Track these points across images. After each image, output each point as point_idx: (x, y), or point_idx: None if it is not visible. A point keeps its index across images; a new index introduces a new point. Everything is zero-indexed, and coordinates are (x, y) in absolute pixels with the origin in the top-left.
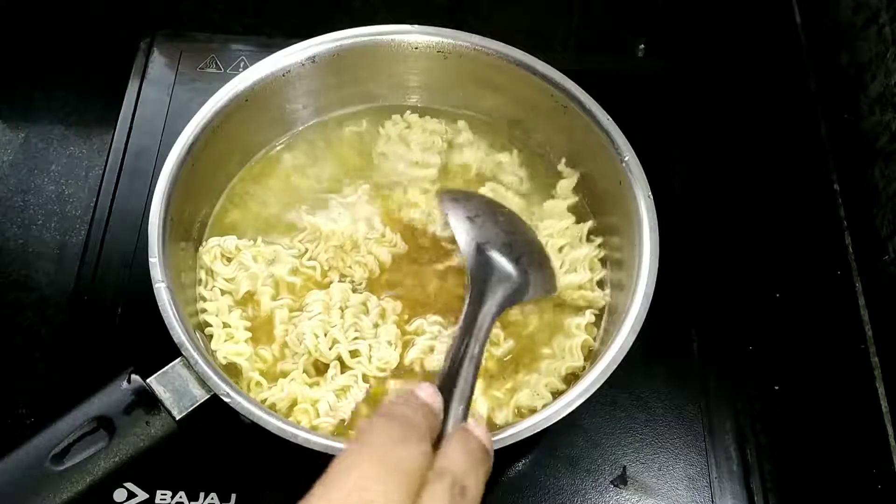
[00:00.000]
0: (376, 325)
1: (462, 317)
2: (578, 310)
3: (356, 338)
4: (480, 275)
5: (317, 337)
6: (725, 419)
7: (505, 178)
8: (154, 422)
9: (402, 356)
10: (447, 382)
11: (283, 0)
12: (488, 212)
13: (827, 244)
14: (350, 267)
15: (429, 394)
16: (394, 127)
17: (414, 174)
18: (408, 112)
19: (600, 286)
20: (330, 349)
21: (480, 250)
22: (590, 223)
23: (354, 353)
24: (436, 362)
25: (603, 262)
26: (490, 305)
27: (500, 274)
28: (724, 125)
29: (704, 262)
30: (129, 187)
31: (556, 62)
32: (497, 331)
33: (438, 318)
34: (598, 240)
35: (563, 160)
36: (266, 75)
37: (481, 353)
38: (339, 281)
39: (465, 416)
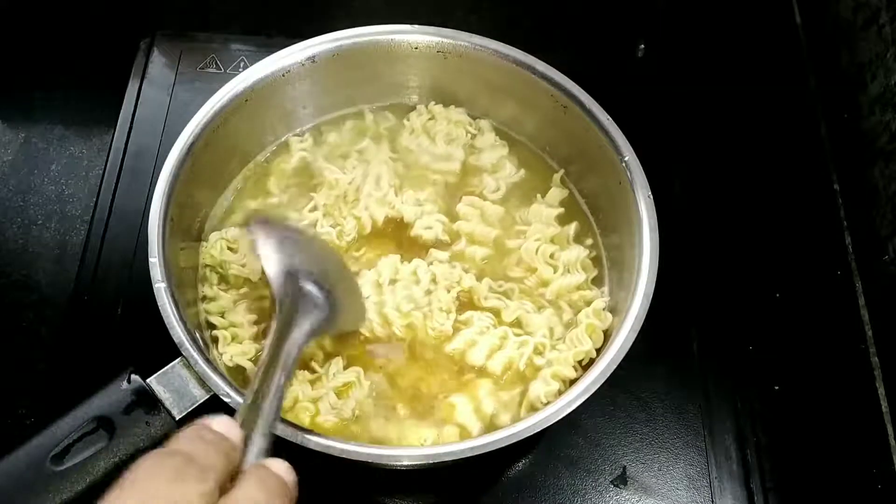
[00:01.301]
0: (429, 292)
1: (268, 345)
2: (579, 310)
3: (410, 310)
4: (288, 303)
5: (371, 321)
6: (725, 419)
7: (491, 184)
8: (154, 422)
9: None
10: (250, 414)
11: (283, 0)
12: (299, 241)
13: (827, 244)
14: (344, 218)
15: (225, 425)
16: (418, 118)
17: (437, 167)
18: (432, 103)
19: (595, 284)
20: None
21: (289, 278)
22: (574, 224)
23: (409, 328)
24: (477, 357)
25: (595, 261)
26: (297, 335)
27: (309, 303)
28: (724, 125)
29: (704, 262)
30: (129, 187)
31: (556, 62)
32: (547, 340)
33: (490, 315)
34: (589, 241)
35: (561, 173)
36: (266, 75)
37: (287, 383)
38: (331, 227)
39: (266, 447)
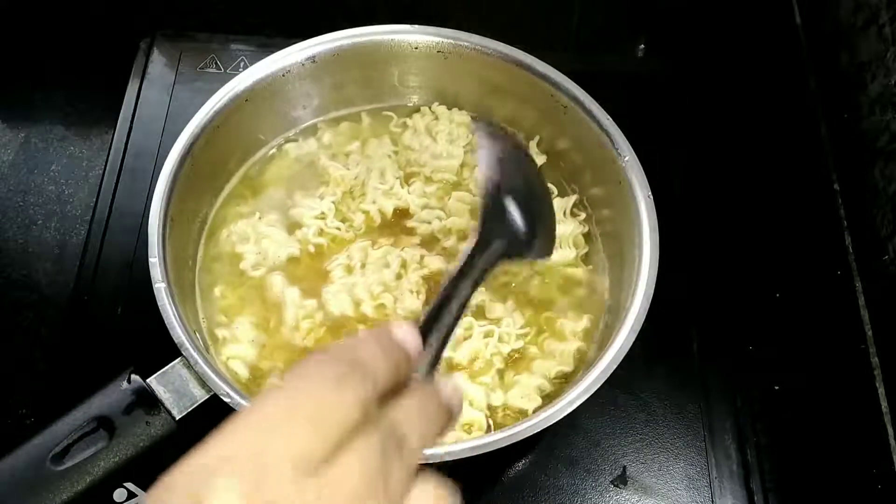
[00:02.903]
0: (399, 277)
1: (463, 255)
2: (572, 308)
3: (381, 292)
4: (491, 218)
5: (341, 300)
6: (725, 419)
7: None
8: (154, 422)
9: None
10: (430, 320)
11: (283, 0)
12: (517, 159)
13: (827, 244)
14: (353, 213)
15: (404, 333)
16: (422, 119)
17: (436, 164)
18: (435, 104)
19: (584, 262)
20: (356, 309)
21: (498, 194)
22: (574, 197)
23: (380, 308)
24: (462, 356)
25: (587, 237)
26: (494, 251)
27: (510, 224)
28: (724, 125)
29: (704, 262)
30: (129, 187)
31: (556, 62)
32: (511, 329)
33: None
34: (582, 215)
35: (536, 139)
36: (266, 75)
37: (471, 295)
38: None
39: (438, 356)
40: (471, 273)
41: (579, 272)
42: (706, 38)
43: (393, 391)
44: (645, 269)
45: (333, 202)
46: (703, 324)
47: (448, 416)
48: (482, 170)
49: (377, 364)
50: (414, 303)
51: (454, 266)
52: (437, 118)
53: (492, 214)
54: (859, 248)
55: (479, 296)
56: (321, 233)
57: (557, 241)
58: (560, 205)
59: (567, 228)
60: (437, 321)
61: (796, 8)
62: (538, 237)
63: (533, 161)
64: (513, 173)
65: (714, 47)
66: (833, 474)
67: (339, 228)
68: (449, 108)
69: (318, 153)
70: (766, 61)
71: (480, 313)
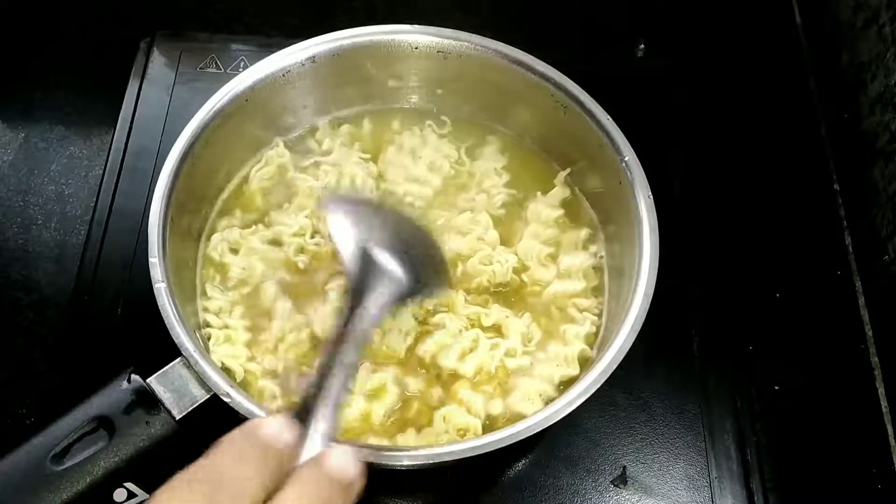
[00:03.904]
0: (393, 315)
1: (338, 322)
2: (572, 318)
3: None
4: (360, 276)
5: (328, 324)
6: (725, 419)
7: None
8: (154, 422)
9: (413, 347)
10: (313, 394)
11: (283, 0)
12: (376, 212)
13: (827, 244)
14: (325, 224)
15: (277, 427)
16: (410, 139)
17: (408, 188)
18: (428, 128)
19: (595, 294)
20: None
21: (363, 251)
22: (586, 230)
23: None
24: (448, 360)
25: (598, 270)
26: (370, 308)
27: (382, 273)
28: (724, 125)
29: (704, 262)
30: (129, 187)
31: (556, 62)
32: (517, 346)
33: (462, 318)
34: (593, 248)
35: (566, 173)
36: (266, 75)
37: (356, 358)
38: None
39: (332, 430)
40: (348, 337)
41: (584, 304)
42: (706, 38)
43: (279, 484)
44: (645, 269)
45: (307, 216)
46: (703, 324)
47: (340, 487)
48: (335, 236)
49: (247, 476)
50: (399, 344)
51: (330, 332)
52: (425, 143)
53: (358, 272)
54: (859, 248)
55: (496, 314)
56: (302, 250)
57: (566, 272)
58: (572, 237)
59: (577, 260)
60: (322, 392)
61: (796, 8)
62: (424, 276)
63: (397, 210)
64: (376, 228)
65: (714, 47)
66: (833, 474)
67: (317, 244)
68: (450, 114)
69: (287, 165)
70: (766, 61)
71: (497, 329)
